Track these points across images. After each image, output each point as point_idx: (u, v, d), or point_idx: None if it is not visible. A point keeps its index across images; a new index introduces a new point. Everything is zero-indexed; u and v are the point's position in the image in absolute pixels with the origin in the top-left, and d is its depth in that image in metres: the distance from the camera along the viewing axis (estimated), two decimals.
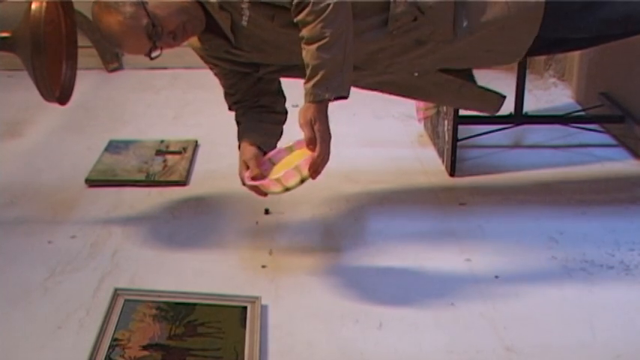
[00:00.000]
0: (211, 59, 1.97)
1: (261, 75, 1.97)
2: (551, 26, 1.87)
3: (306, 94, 1.70)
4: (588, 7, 1.89)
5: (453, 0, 1.81)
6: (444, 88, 2.03)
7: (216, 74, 2.02)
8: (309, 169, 1.70)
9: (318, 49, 1.67)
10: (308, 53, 1.69)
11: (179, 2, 1.80)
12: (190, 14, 1.81)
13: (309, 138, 1.70)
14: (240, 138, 1.97)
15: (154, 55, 1.81)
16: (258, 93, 2.01)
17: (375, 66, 1.93)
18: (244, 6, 1.78)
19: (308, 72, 1.69)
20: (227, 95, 2.04)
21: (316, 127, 1.70)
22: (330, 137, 1.72)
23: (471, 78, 2.07)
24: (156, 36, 1.77)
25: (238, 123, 2.01)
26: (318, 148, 1.69)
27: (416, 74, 1.99)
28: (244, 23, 1.80)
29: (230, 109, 2.04)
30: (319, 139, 1.70)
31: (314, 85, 1.68)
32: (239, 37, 1.85)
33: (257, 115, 2.01)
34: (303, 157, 1.71)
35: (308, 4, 1.68)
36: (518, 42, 1.92)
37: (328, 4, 1.67)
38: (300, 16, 1.70)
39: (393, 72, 1.96)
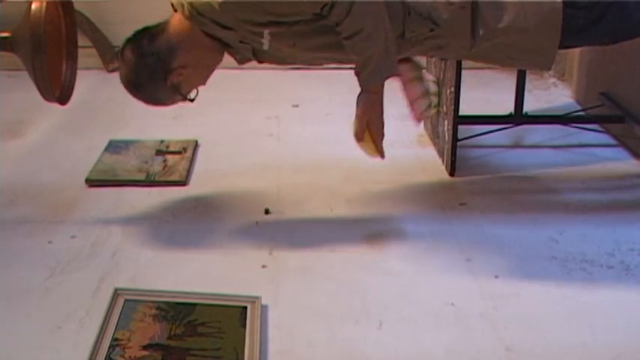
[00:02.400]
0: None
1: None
2: (569, 38, 1.87)
3: (362, 83, 1.82)
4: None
5: (467, 9, 1.81)
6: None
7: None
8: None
9: (360, 42, 1.75)
10: (352, 47, 1.77)
11: (205, 63, 1.91)
12: (215, 65, 1.92)
13: (358, 131, 1.88)
14: None
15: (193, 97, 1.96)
16: None
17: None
18: (265, 38, 1.82)
19: (359, 64, 1.79)
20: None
21: (369, 119, 1.85)
22: (381, 124, 1.89)
23: None
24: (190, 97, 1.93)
25: None
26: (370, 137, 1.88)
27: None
28: (265, 48, 1.85)
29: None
30: (371, 127, 1.87)
31: (369, 75, 1.79)
32: (262, 56, 1.92)
33: None
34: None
35: (334, 4, 1.71)
36: (541, 52, 1.91)
37: (353, 2, 1.70)
38: (332, 18, 1.74)
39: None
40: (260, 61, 1.96)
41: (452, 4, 1.80)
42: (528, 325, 1.67)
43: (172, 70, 1.87)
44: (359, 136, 1.90)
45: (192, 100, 1.94)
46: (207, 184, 2.38)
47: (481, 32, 1.83)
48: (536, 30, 1.84)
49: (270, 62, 1.98)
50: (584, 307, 1.73)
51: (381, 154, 1.95)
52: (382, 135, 1.93)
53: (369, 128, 1.88)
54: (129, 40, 1.89)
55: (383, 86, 1.85)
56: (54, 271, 1.87)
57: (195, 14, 1.82)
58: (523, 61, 1.97)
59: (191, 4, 1.83)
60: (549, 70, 1.97)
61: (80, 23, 2.14)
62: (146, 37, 1.88)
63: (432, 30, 1.83)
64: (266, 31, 1.79)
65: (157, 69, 1.87)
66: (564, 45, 1.91)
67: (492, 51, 1.90)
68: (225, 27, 1.81)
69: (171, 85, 1.88)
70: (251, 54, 1.90)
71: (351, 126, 1.91)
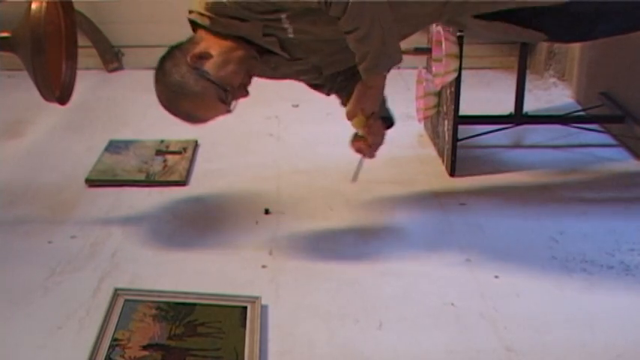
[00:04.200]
0: (279, 75, 2.00)
1: (326, 75, 2.02)
2: None
3: (362, 75, 1.82)
4: None
5: None
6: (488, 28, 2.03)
7: (302, 81, 2.08)
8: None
9: (356, 40, 1.76)
10: (350, 43, 1.78)
11: (234, 55, 1.84)
12: (247, 59, 1.86)
13: (350, 111, 1.87)
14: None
15: (232, 108, 1.87)
16: (341, 82, 2.06)
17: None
18: (285, 23, 1.80)
19: (357, 57, 1.79)
20: (318, 90, 2.11)
21: (363, 105, 1.84)
22: (376, 108, 1.88)
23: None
24: (228, 97, 1.83)
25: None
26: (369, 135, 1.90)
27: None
28: (290, 35, 1.83)
29: (328, 95, 2.13)
30: (365, 112, 1.86)
31: (366, 69, 1.80)
32: (291, 50, 1.89)
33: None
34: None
35: (330, 3, 1.71)
36: None
37: (348, 2, 1.70)
38: (330, 13, 1.74)
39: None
40: (293, 59, 1.92)
41: None
42: (528, 325, 1.67)
43: (190, 52, 1.82)
44: (349, 117, 1.90)
45: (227, 102, 1.85)
46: (207, 184, 2.38)
47: None
48: None
49: (302, 56, 1.93)
50: (584, 307, 1.73)
51: (367, 133, 1.93)
52: (375, 116, 1.91)
53: (363, 113, 1.88)
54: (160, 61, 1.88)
55: (384, 78, 1.86)
56: (54, 271, 1.87)
57: (214, 16, 1.81)
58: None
59: (206, 8, 1.81)
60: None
61: (80, 23, 2.14)
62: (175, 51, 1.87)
63: None
64: (283, 15, 1.78)
65: (177, 53, 1.84)
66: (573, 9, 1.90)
67: None
68: (243, 20, 1.81)
69: (194, 70, 1.81)
70: (279, 48, 1.87)
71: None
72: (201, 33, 1.85)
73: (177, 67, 1.82)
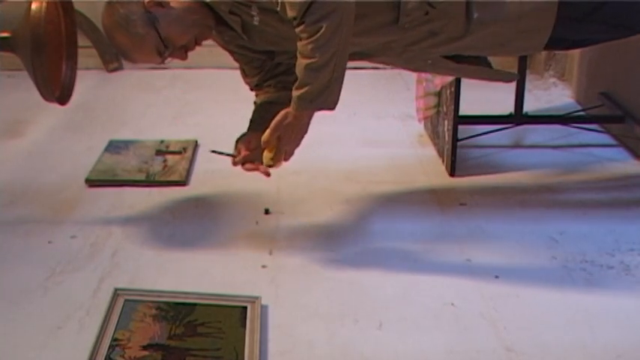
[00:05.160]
0: (229, 47, 2.00)
1: (278, 61, 2.00)
2: (565, 27, 1.86)
3: (292, 101, 1.75)
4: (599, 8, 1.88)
5: None
6: (459, 71, 2.05)
7: (235, 59, 2.05)
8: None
9: (306, 66, 1.70)
10: (299, 66, 1.72)
11: (190, 17, 1.83)
12: (201, 25, 1.85)
13: (265, 140, 1.80)
14: (249, 127, 2.02)
15: (165, 63, 1.85)
16: (277, 75, 2.04)
17: (388, 53, 1.94)
18: (253, 11, 1.79)
19: (297, 82, 1.73)
20: (247, 78, 2.08)
21: (282, 135, 1.79)
22: (292, 149, 1.84)
23: (484, 60, 2.05)
24: (166, 52, 1.82)
25: (255, 103, 2.06)
26: (274, 154, 1.82)
27: (429, 62, 1.98)
28: (255, 23, 1.82)
29: (251, 89, 2.09)
30: (279, 146, 1.81)
31: (299, 97, 1.73)
32: (251, 34, 1.87)
33: (276, 96, 2.02)
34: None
35: (303, 22, 1.69)
36: (532, 40, 1.90)
37: (321, 27, 1.67)
38: (297, 30, 1.71)
39: (407, 60, 1.98)
40: (249, 42, 1.91)
41: None
42: (528, 325, 1.67)
43: None
44: (265, 145, 1.84)
45: (163, 57, 1.83)
46: (207, 184, 2.38)
47: (475, 15, 1.82)
48: (531, 12, 1.83)
49: (258, 44, 1.93)
50: (584, 307, 1.73)
51: (267, 171, 1.89)
52: (285, 155, 1.85)
53: (279, 142, 1.82)
54: None
55: (309, 117, 1.81)
56: (54, 271, 1.87)
57: None
58: (514, 47, 1.95)
59: None
60: (540, 51, 1.95)
61: (80, 23, 2.14)
62: None
63: (426, 13, 1.81)
64: (254, 5, 1.78)
65: None
66: (558, 36, 1.91)
67: (484, 40, 1.89)
68: None
69: (146, 13, 1.79)
70: (240, 29, 1.86)
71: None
72: None
73: (132, 2, 1.79)
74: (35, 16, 1.84)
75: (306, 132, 1.83)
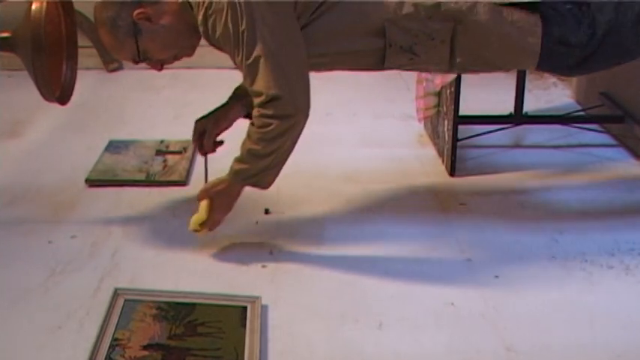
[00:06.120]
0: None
1: None
2: (550, 63, 1.88)
3: (229, 170, 1.86)
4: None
5: (447, 43, 1.81)
6: None
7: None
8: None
9: (248, 150, 1.81)
10: (243, 143, 1.82)
11: (175, 38, 1.85)
12: (184, 47, 1.88)
13: (201, 196, 1.90)
14: (233, 95, 2.05)
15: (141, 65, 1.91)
16: None
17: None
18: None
19: (238, 156, 1.84)
20: None
21: (212, 200, 1.88)
22: (219, 217, 1.91)
23: None
24: (142, 60, 1.87)
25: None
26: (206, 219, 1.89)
27: None
28: None
29: None
30: (209, 211, 1.88)
31: (236, 172, 1.84)
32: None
33: None
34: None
35: (259, 108, 1.75)
36: (522, 66, 1.98)
37: (271, 123, 1.75)
38: (254, 105, 1.78)
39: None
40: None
41: (433, 39, 1.80)
42: (528, 325, 1.67)
43: (144, 8, 1.81)
44: (199, 198, 1.91)
45: (139, 61, 1.88)
46: None
47: (458, 60, 1.84)
48: (516, 56, 1.85)
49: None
50: (584, 307, 1.73)
51: (195, 230, 1.92)
52: (211, 224, 1.92)
53: (209, 208, 1.89)
54: None
55: (241, 189, 1.89)
56: (54, 271, 1.87)
57: None
58: (501, 71, 1.98)
59: None
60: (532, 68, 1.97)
61: (80, 23, 2.13)
62: None
63: (411, 59, 1.84)
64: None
65: None
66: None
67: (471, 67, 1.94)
68: None
69: (132, 23, 1.81)
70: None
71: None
72: None
73: (122, 9, 1.81)
74: (35, 16, 1.84)
75: (236, 200, 1.91)
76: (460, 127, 2.44)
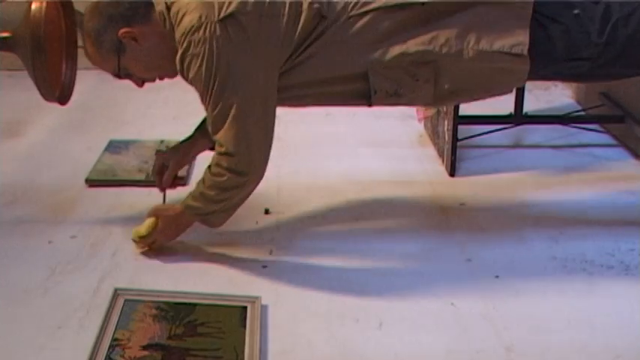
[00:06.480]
0: None
1: None
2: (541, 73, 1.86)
3: (184, 200, 1.88)
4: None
5: (431, 82, 1.80)
6: None
7: None
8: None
9: (202, 192, 1.84)
10: (199, 182, 1.85)
11: (158, 59, 1.84)
12: (166, 69, 1.86)
13: (151, 213, 1.94)
14: (199, 127, 2.07)
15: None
16: None
17: None
18: None
19: (193, 192, 1.86)
20: None
21: (158, 226, 1.90)
22: (161, 240, 1.93)
23: None
24: (122, 76, 1.87)
25: None
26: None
27: None
28: None
29: None
30: (153, 231, 1.90)
31: (188, 206, 1.87)
32: None
33: None
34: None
35: (220, 154, 1.78)
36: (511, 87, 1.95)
37: (225, 175, 1.79)
38: (215, 150, 1.82)
39: None
40: None
41: (417, 80, 1.79)
42: (528, 325, 1.67)
43: (132, 27, 1.79)
44: (148, 214, 1.95)
45: (119, 77, 1.89)
46: None
47: (446, 86, 1.82)
48: (504, 83, 1.86)
49: None
50: (584, 307, 1.73)
51: (134, 240, 1.94)
52: (153, 243, 1.94)
53: (156, 224, 1.91)
54: None
55: (189, 221, 1.91)
56: (54, 271, 1.87)
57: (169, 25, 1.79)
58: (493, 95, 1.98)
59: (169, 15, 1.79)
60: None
61: (80, 23, 2.13)
62: None
63: (396, 101, 1.84)
64: None
65: (122, 14, 1.80)
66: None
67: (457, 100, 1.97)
68: None
69: (117, 40, 1.80)
70: None
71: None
72: (156, 16, 1.80)
73: (109, 24, 1.80)
74: (35, 16, 1.84)
75: (183, 230, 1.93)
76: (460, 127, 2.44)
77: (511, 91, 1.96)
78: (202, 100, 1.80)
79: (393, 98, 1.82)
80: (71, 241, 2.02)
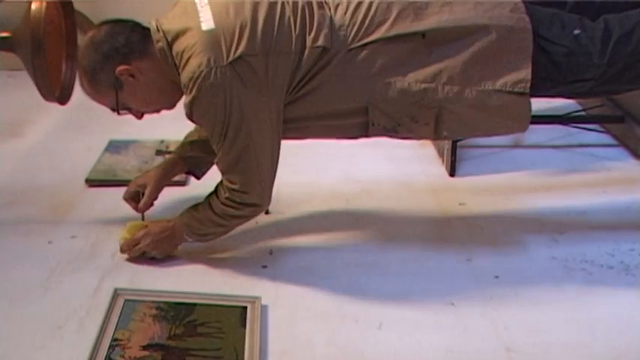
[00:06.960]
0: None
1: None
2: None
3: (182, 216, 1.90)
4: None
5: (431, 125, 1.79)
6: None
7: None
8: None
9: (209, 217, 1.85)
10: (207, 206, 1.86)
11: (156, 93, 1.81)
12: (164, 103, 1.85)
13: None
14: (179, 148, 2.10)
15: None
16: None
17: None
18: None
19: (192, 209, 1.90)
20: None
21: (152, 234, 1.90)
22: (147, 249, 1.91)
23: None
24: (120, 111, 1.83)
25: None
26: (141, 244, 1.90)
27: None
28: None
29: None
30: (142, 243, 1.90)
31: (187, 224, 1.88)
32: None
33: None
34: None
35: (233, 191, 1.80)
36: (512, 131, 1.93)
37: (238, 208, 1.82)
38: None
39: None
40: None
41: (417, 121, 1.78)
42: (528, 325, 1.67)
43: (129, 64, 1.76)
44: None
45: (118, 113, 1.84)
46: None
47: (444, 134, 1.82)
48: (506, 126, 1.85)
49: None
50: (584, 307, 1.73)
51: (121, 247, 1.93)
52: (138, 249, 1.91)
53: (143, 237, 1.90)
54: (115, 20, 1.85)
55: (183, 238, 1.91)
56: (54, 271, 1.87)
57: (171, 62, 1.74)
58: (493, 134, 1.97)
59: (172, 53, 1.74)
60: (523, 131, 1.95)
61: (80, 23, 2.13)
62: (132, 26, 1.81)
63: (393, 135, 1.84)
64: None
65: (119, 51, 1.76)
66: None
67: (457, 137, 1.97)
68: None
69: (114, 77, 1.76)
70: None
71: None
72: (154, 50, 1.75)
73: (106, 61, 1.75)
74: (35, 16, 1.84)
75: (175, 248, 1.93)
76: None
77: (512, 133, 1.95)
78: (212, 142, 1.77)
79: (391, 133, 1.82)
80: (71, 241, 2.02)
